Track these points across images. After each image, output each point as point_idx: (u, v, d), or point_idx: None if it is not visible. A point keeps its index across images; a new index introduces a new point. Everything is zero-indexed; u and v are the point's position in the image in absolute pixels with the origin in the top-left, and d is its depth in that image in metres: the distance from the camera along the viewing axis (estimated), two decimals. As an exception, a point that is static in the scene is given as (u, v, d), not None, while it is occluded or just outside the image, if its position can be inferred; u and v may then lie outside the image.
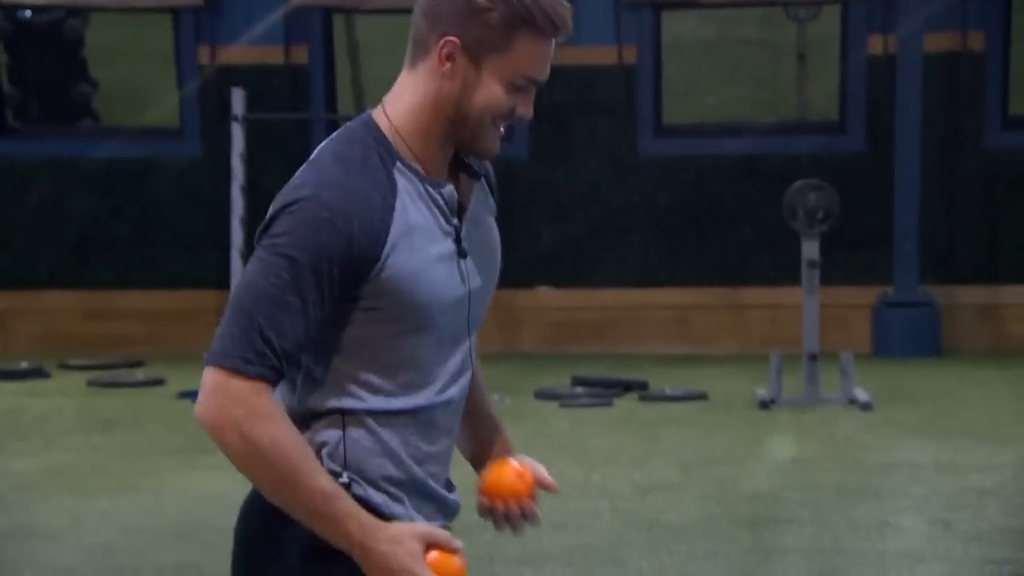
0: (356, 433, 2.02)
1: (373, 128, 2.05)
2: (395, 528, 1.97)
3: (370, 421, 2.02)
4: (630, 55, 9.75)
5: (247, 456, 1.92)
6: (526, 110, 2.06)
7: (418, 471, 2.06)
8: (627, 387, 8.22)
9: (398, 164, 2.03)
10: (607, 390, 8.14)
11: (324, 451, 2.02)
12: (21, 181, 9.86)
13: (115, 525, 5.53)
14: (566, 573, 4.95)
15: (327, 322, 1.99)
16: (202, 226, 9.70)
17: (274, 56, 9.74)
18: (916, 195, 9.44)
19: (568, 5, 2.04)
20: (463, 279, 2.08)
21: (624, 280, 9.71)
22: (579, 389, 8.17)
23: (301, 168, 2.04)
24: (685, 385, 8.29)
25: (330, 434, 2.02)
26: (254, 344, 1.93)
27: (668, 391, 8.16)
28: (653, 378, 8.39)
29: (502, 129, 2.07)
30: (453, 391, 2.09)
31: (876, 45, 9.67)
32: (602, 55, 9.73)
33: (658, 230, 9.77)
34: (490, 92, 2.02)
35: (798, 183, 8.21)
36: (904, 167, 9.43)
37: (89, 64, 11.52)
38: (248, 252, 8.74)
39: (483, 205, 2.16)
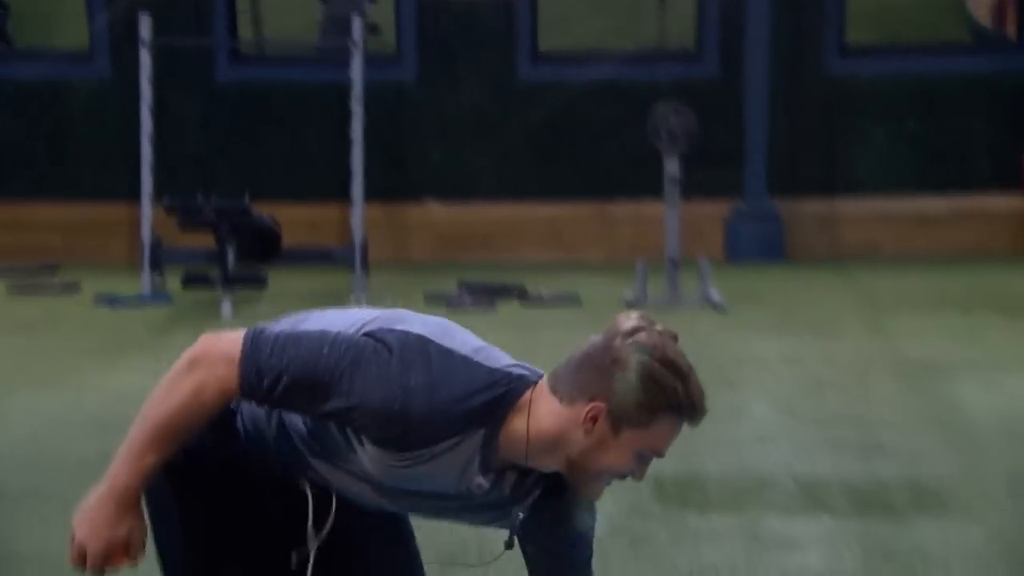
0: None
1: (507, 412, 1.91)
2: (128, 509, 1.95)
3: None
4: (509, -12, 9.67)
5: (164, 394, 1.92)
6: (641, 475, 1.98)
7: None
8: (508, 292, 8.24)
9: (481, 457, 1.92)
10: (490, 295, 8.15)
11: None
12: (-61, 100, 9.54)
13: (40, 419, 5.44)
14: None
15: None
16: (113, 144, 9.47)
17: (179, -17, 9.48)
18: (764, 117, 9.54)
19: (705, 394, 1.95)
20: (408, 494, 2.00)
21: (504, 194, 9.70)
22: (464, 293, 8.17)
23: (443, 353, 1.91)
24: (560, 289, 8.33)
25: None
26: (265, 377, 1.88)
27: (545, 295, 8.19)
28: (531, 283, 8.40)
29: (606, 486, 1.98)
30: None
31: (730, -20, 9.70)
32: (483, -13, 9.64)
33: (534, 149, 9.76)
34: (619, 457, 1.94)
35: (660, 106, 8.24)
36: (753, 92, 9.52)
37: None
38: (158, 169, 8.56)
39: (516, 502, 2.02)
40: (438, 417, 1.87)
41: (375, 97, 8.90)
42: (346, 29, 8.70)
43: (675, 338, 1.97)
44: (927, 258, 9.36)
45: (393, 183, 9.50)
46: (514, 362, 1.96)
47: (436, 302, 7.97)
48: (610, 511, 4.12)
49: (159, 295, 8.12)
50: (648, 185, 9.08)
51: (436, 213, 9.65)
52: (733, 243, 9.61)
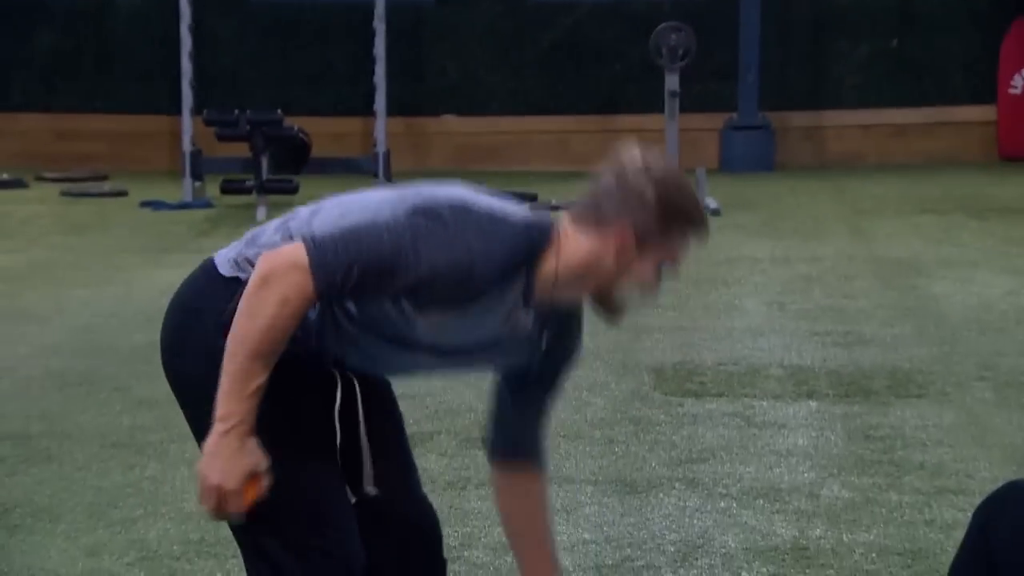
0: None
1: (541, 241, 1.91)
2: (244, 434, 1.85)
3: None
4: (521, -82, 9.50)
5: (248, 318, 1.82)
6: (657, 289, 1.98)
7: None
8: (521, 198, 8.16)
9: (526, 271, 1.92)
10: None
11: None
12: (-6, 19, 9.45)
13: (93, 310, 5.45)
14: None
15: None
16: (155, 60, 9.38)
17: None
18: (757, 36, 9.42)
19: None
20: (457, 346, 1.97)
21: (515, 109, 9.63)
22: (479, 198, 8.12)
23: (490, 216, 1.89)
24: (567, 197, 8.27)
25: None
26: (337, 274, 1.83)
27: (554, 202, 8.15)
28: (541, 191, 8.35)
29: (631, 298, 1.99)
30: None
31: (726, -91, 9.52)
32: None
33: (544, 66, 9.66)
34: (643, 272, 1.95)
35: (662, 25, 8.12)
36: (747, 11, 9.39)
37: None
38: (198, 84, 8.47)
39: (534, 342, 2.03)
40: (495, 269, 1.90)
41: (397, 17, 8.78)
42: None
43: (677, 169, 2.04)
44: (905, 166, 9.29)
45: (413, 98, 9.41)
46: (531, 212, 1.99)
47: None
48: (615, 396, 4.14)
49: (199, 201, 8.09)
50: (649, 100, 8.99)
51: (453, 126, 9.58)
52: (727, 153, 9.54)
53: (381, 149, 8.18)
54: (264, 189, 7.68)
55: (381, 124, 8.26)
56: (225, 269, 1.95)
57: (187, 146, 8.20)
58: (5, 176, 8.74)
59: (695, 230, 1.98)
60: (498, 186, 8.39)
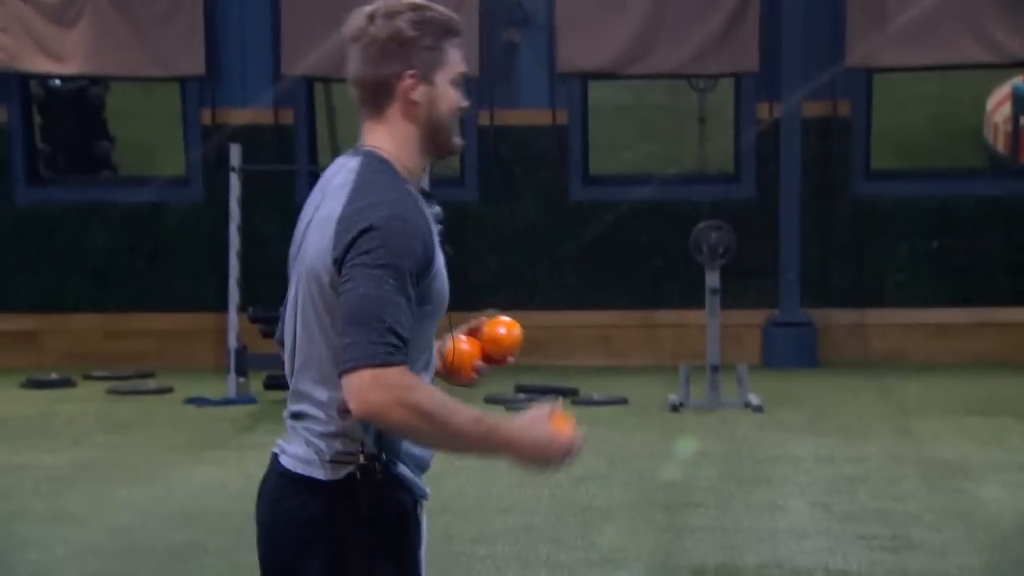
0: None
1: (386, 161, 2.06)
2: (521, 420, 2.01)
3: None
4: (562, 117, 9.80)
5: (417, 420, 1.92)
6: (466, 100, 2.13)
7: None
8: (561, 393, 8.21)
9: (408, 184, 2.07)
10: (544, 396, 8.11)
11: (364, 433, 2.00)
12: (52, 222, 9.76)
13: (133, 511, 5.47)
14: (514, 549, 4.94)
15: None
16: (204, 259, 9.64)
17: (265, 117, 9.70)
18: (797, 234, 9.54)
19: None
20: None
21: (557, 304, 9.73)
22: (521, 395, 8.16)
23: (353, 192, 2.02)
24: (609, 392, 8.30)
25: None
26: (390, 340, 1.92)
27: (595, 397, 8.16)
28: (582, 386, 8.39)
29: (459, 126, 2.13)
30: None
31: (763, 111, 9.78)
32: (539, 117, 9.78)
33: (585, 262, 9.81)
34: (448, 96, 2.08)
35: (702, 223, 8.27)
36: (787, 210, 9.54)
37: (109, 123, 11.44)
38: (244, 282, 8.69)
39: None
40: (407, 204, 2.01)
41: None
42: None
43: None
44: (951, 366, 9.24)
45: (456, 293, 9.50)
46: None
47: (495, 403, 7.97)
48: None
49: (243, 397, 8.18)
50: (690, 296, 9.08)
51: (495, 321, 9.67)
52: (769, 349, 9.55)
53: (424, 346, 8.27)
54: (307, 386, 7.74)
55: (424, 321, 8.37)
56: (302, 468, 2.01)
57: (232, 343, 8.34)
58: (54, 376, 8.90)
59: (458, 35, 2.07)
60: (539, 380, 8.50)
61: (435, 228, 2.06)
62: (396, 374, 1.92)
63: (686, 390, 7.76)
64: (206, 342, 9.51)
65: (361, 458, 1.98)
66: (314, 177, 11.37)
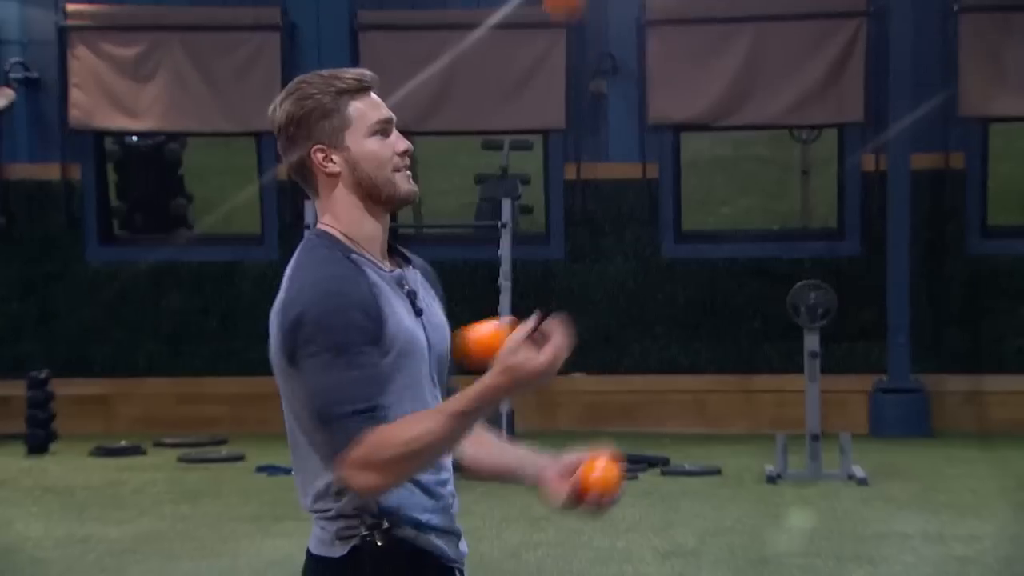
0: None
1: (325, 236, 2.15)
2: (491, 370, 2.00)
3: None
4: (653, 171, 9.77)
5: (405, 466, 1.99)
6: (403, 143, 2.14)
7: (443, 495, 2.12)
8: (651, 463, 8.13)
9: (352, 255, 2.12)
10: (633, 465, 8.03)
11: (359, 504, 2.06)
12: (125, 283, 9.95)
13: (196, 585, 5.50)
14: (592, 631, 4.86)
15: None
16: (280, 320, 9.73)
17: (343, 173, 9.82)
18: (906, 294, 9.35)
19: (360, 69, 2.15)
20: (424, 332, 2.14)
21: (648, 367, 9.66)
22: (608, 465, 8.07)
23: (288, 280, 2.13)
24: (702, 461, 8.19)
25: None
26: (348, 425, 1.99)
27: (687, 466, 8.06)
28: (674, 455, 8.29)
29: (406, 171, 2.15)
30: None
31: (869, 163, 9.65)
32: (629, 171, 9.76)
33: (678, 323, 9.72)
34: (367, 153, 2.10)
35: (800, 283, 8.17)
36: (896, 269, 9.36)
37: (185, 181, 11.68)
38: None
39: (428, 292, 2.23)
40: (333, 276, 2.09)
41: (524, 274, 9.01)
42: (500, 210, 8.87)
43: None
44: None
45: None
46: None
47: (580, 474, 7.88)
48: None
49: (317, 464, 8.19)
50: (790, 360, 8.95)
51: (582, 384, 9.64)
52: (876, 417, 9.35)
53: (504, 409, 8.26)
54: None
55: (506, 386, 8.35)
56: (319, 549, 2.09)
57: (306, 408, 8.38)
58: (123, 443, 9.03)
59: (347, 87, 2.08)
60: (630, 448, 8.42)
61: (386, 287, 2.11)
62: (364, 446, 1.98)
63: (784, 460, 7.62)
64: (279, 406, 9.59)
65: (363, 529, 2.06)
66: (393, 235, 11.56)
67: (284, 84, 8.78)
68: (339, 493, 2.07)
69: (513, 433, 8.25)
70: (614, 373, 9.63)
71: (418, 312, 2.14)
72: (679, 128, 9.86)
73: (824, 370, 7.99)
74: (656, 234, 9.78)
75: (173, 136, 11.00)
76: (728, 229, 12.12)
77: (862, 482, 7.42)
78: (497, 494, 7.26)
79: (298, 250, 2.16)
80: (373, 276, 2.10)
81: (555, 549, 5.93)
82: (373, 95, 2.13)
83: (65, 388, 9.30)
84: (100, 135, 10.12)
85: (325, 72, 2.14)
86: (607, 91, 9.71)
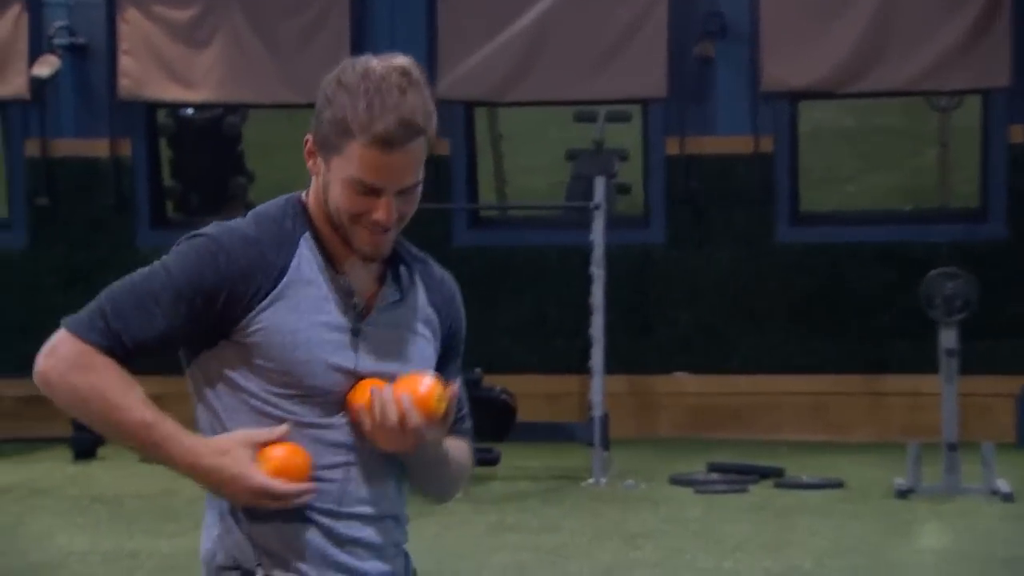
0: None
1: (298, 203, 2.15)
2: (218, 440, 2.05)
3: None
4: (767, 144, 9.67)
5: (70, 401, 2.07)
6: (380, 215, 2.07)
7: (316, 535, 2.09)
8: (763, 474, 8.07)
9: (307, 235, 2.12)
10: (743, 476, 7.99)
11: (229, 542, 2.12)
12: (178, 269, 10.06)
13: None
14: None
15: (212, 389, 2.13)
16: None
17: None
18: (1060, 283, 9.17)
19: (406, 117, 2.02)
20: (355, 354, 2.10)
21: (761, 366, 9.57)
22: (714, 475, 8.04)
23: None
24: (822, 473, 8.10)
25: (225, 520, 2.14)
26: (96, 322, 2.08)
27: (804, 478, 7.99)
28: (789, 465, 8.21)
29: (381, 233, 2.09)
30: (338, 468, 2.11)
31: (1018, 134, 9.48)
32: (739, 144, 9.68)
33: (795, 316, 9.62)
34: (337, 192, 2.08)
35: (934, 271, 8.03)
36: (1047, 254, 9.19)
37: (245, 157, 11.80)
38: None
39: (414, 314, 2.19)
40: (244, 239, 2.15)
41: (619, 261, 8.98)
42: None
43: (401, 70, 2.04)
44: None
45: (638, 353, 9.50)
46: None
47: (682, 484, 7.85)
48: None
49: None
50: (924, 358, 8.81)
51: (685, 385, 9.58)
52: (1024, 424, 9.18)
53: (598, 413, 8.24)
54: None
55: (598, 384, 8.34)
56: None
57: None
58: (178, 445, 9.14)
59: (367, 142, 2.01)
60: (739, 457, 8.36)
61: (321, 285, 2.10)
62: (76, 347, 2.07)
63: (916, 472, 7.53)
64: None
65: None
66: (474, 217, 11.51)
67: (353, 50, 8.86)
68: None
69: (607, 439, 8.22)
70: (721, 372, 9.57)
71: (356, 332, 2.11)
72: (797, 96, 9.75)
73: (963, 370, 7.87)
74: (770, 216, 9.68)
75: (232, 108, 11.12)
76: (853, 210, 11.98)
77: (1007, 498, 7.29)
78: (588, 507, 7.25)
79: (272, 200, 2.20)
80: (302, 264, 2.10)
81: (653, 570, 5.92)
82: (396, 153, 2.05)
83: (114, 386, 9.44)
84: (152, 107, 10.27)
85: (379, 82, 2.04)
86: (715, 55, 9.63)
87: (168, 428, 2.08)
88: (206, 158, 11.37)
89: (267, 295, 2.06)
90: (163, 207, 10.51)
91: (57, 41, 9.89)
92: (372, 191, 2.07)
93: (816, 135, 12.63)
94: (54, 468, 8.72)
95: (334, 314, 2.10)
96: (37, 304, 9.92)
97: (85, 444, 9.03)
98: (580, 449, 8.26)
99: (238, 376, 2.10)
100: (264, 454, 2.04)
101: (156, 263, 2.13)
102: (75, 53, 9.97)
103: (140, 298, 2.09)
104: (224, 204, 11.42)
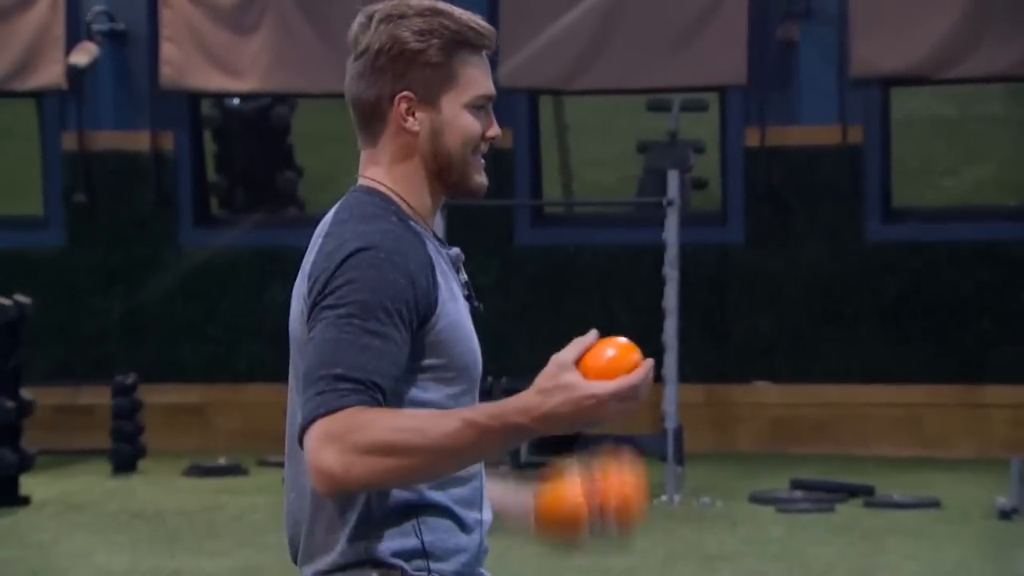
0: (432, 518, 2.06)
1: (376, 193, 2.10)
2: (537, 383, 1.93)
3: (439, 495, 2.06)
4: (856, 134, 9.62)
5: (385, 463, 1.89)
6: (493, 130, 2.12)
7: (476, 536, 2.10)
8: (851, 492, 8.03)
9: (410, 222, 2.09)
10: (829, 495, 7.95)
11: (399, 544, 2.04)
12: (223, 272, 10.13)
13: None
14: None
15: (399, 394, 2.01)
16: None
17: (479, 140, 9.88)
18: None
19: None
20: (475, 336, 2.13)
21: (849, 375, 9.52)
22: (798, 493, 8.01)
23: (326, 237, 2.07)
24: (915, 491, 8.06)
25: (405, 526, 2.05)
26: (339, 388, 1.92)
27: (896, 497, 7.94)
28: (880, 482, 8.16)
29: (482, 160, 2.13)
30: None
31: None
32: (825, 135, 9.65)
33: (886, 321, 9.57)
34: (459, 125, 2.09)
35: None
36: None
37: (295, 151, 11.87)
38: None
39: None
40: (394, 235, 2.06)
41: (695, 262, 8.96)
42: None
43: None
44: None
45: (715, 361, 9.48)
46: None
47: (763, 502, 7.82)
48: None
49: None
50: (1028, 366, 8.77)
51: (767, 395, 9.55)
52: None
53: (671, 424, 8.22)
54: (522, 470, 7.81)
55: (672, 393, 8.33)
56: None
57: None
58: (222, 461, 9.20)
59: (475, 49, 2.05)
60: (825, 473, 8.32)
61: (446, 268, 2.09)
62: (342, 419, 1.89)
63: (1020, 491, 7.47)
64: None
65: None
66: (538, 214, 11.49)
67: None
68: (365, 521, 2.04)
69: (681, 454, 8.20)
70: (806, 382, 9.54)
71: (473, 312, 2.11)
72: (889, 82, 9.71)
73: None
74: (859, 212, 9.64)
75: (280, 98, 11.20)
76: (951, 205, 11.88)
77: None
78: (661, 526, 7.23)
79: (337, 207, 2.11)
80: (432, 250, 2.07)
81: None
82: (485, 59, 2.13)
83: (155, 396, 9.54)
84: (196, 97, 10.36)
85: (433, 3, 2.10)
86: (799, 38, 9.60)
87: (484, 411, 1.91)
88: (253, 151, 11.47)
89: (437, 285, 2.03)
90: (207, 204, 10.59)
91: (96, 27, 10.00)
92: (487, 104, 2.12)
93: (910, 124, 12.53)
94: (92, 482, 8.81)
95: (461, 297, 2.11)
96: (75, 307, 10.04)
97: (125, 456, 9.12)
98: (652, 464, 8.23)
99: (417, 391, 2.03)
100: (586, 367, 1.95)
101: (330, 313, 1.97)
102: (114, 40, 10.08)
103: (361, 343, 1.93)
104: (272, 200, 11.51)
